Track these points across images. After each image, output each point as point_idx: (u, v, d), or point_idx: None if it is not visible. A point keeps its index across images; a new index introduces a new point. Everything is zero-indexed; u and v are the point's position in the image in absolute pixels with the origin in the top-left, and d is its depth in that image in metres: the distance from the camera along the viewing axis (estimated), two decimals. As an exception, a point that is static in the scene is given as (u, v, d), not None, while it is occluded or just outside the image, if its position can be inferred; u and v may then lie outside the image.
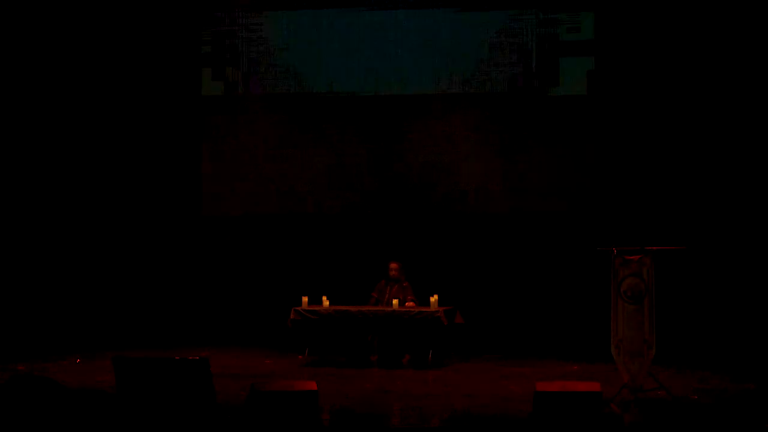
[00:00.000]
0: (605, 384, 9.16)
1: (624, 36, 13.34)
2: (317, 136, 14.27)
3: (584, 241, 12.16)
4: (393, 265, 12.40)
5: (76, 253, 14.18)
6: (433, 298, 11.77)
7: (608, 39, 13.46)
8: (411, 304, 12.11)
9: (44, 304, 13.85)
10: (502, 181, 13.81)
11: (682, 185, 13.05)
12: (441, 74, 13.94)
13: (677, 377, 10.73)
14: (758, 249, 12.87)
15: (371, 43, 14.13)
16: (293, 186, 14.35)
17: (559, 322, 13.20)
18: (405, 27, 14.06)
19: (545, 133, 13.68)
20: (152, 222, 14.24)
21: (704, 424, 8.09)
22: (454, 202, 13.94)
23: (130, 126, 14.32)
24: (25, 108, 14.03)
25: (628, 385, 9.31)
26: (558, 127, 13.65)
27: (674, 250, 9.88)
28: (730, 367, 11.57)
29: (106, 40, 14.14)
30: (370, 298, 12.44)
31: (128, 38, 14.15)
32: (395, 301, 11.89)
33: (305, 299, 12.04)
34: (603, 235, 11.49)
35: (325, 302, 12.06)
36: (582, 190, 13.56)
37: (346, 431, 7.78)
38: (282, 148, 14.38)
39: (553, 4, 13.66)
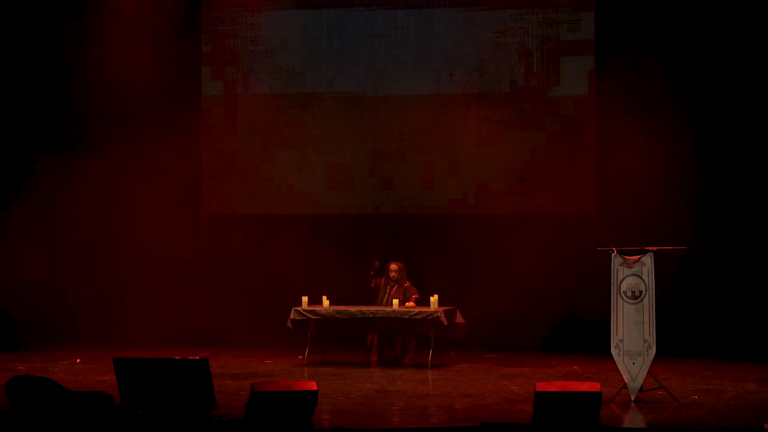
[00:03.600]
0: (605, 384, 9.18)
1: (624, 36, 13.32)
2: (317, 136, 14.27)
3: (584, 241, 12.14)
4: (393, 266, 12.40)
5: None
6: (433, 298, 11.77)
7: (608, 39, 13.45)
8: (412, 303, 12.11)
9: None
10: (502, 181, 13.80)
11: (682, 185, 13.04)
12: (441, 74, 13.93)
13: (677, 377, 10.74)
14: (759, 248, 12.87)
15: (371, 43, 14.13)
16: (293, 186, 14.34)
17: (559, 322, 13.18)
18: (405, 27, 14.06)
19: (546, 133, 13.67)
20: (151, 221, 14.22)
21: (704, 424, 8.09)
22: (454, 202, 13.93)
23: (130, 126, 14.32)
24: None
25: (628, 385, 9.31)
26: (559, 127, 13.63)
27: (674, 250, 9.89)
28: (731, 367, 11.58)
29: (107, 39, 14.14)
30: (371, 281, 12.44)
31: (128, 38, 14.13)
32: (395, 301, 11.89)
33: (305, 299, 12.05)
34: (603, 235, 11.48)
35: (325, 302, 12.07)
36: (582, 189, 13.56)
37: (346, 431, 7.78)
38: (282, 148, 14.38)
39: (553, 4, 13.65)
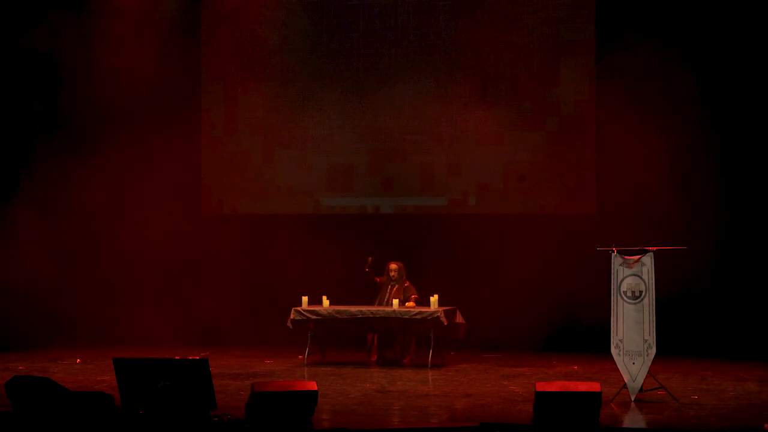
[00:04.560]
0: (605, 384, 9.18)
1: (624, 36, 13.32)
2: (317, 136, 14.27)
3: (584, 241, 12.14)
4: (392, 266, 12.40)
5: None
6: (433, 298, 11.77)
7: (608, 39, 13.45)
8: (412, 303, 12.11)
9: None
10: (502, 181, 13.80)
11: (683, 185, 13.03)
12: (441, 74, 13.93)
13: (677, 377, 10.74)
14: (759, 248, 12.87)
15: (371, 42, 14.13)
16: (293, 186, 14.35)
17: (559, 322, 13.18)
18: (405, 26, 14.06)
19: (546, 133, 13.67)
20: (152, 221, 14.23)
21: (704, 424, 8.09)
22: (455, 202, 13.93)
23: (130, 125, 14.33)
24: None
25: (628, 385, 9.31)
26: (558, 127, 13.64)
27: (674, 250, 9.89)
28: (731, 367, 11.58)
29: (107, 39, 14.14)
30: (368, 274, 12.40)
31: (128, 38, 14.14)
32: (395, 301, 11.89)
33: (305, 299, 12.04)
34: (603, 235, 11.48)
35: (325, 302, 12.07)
36: (582, 189, 13.55)
37: (346, 431, 7.78)
38: (282, 148, 14.38)
39: (553, 4, 13.65)
